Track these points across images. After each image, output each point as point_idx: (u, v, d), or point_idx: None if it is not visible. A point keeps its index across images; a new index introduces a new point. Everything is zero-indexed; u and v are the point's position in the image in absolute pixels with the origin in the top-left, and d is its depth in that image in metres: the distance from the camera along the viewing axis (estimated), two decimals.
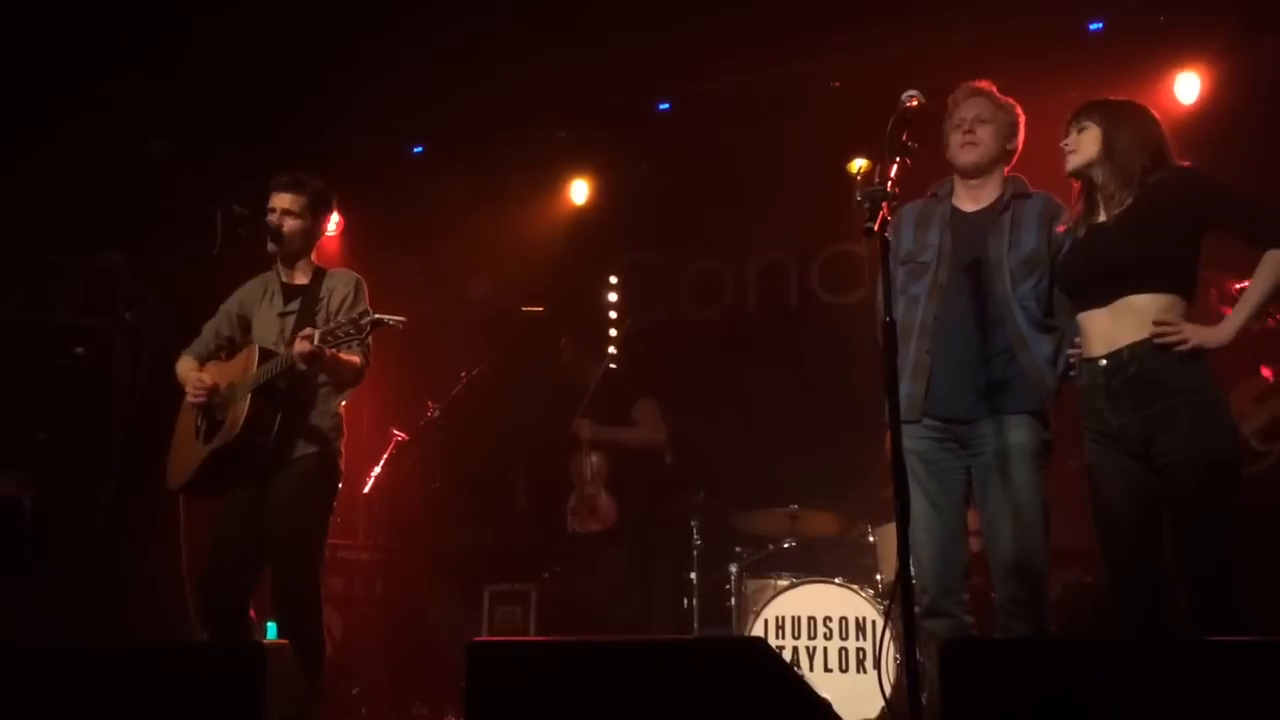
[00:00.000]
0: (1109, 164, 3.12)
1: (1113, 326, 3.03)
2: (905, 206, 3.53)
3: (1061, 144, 3.22)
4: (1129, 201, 3.08)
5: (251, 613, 3.83)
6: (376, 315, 3.52)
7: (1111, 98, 3.24)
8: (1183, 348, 2.93)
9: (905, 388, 3.34)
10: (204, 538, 3.85)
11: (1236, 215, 3.03)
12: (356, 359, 3.83)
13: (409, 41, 5.68)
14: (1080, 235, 3.20)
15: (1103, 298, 3.06)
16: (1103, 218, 3.14)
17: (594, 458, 5.62)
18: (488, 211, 6.58)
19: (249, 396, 3.69)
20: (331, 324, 3.59)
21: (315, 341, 3.53)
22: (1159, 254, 3.01)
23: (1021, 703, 2.06)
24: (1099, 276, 3.07)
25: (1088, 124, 3.16)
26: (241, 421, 3.67)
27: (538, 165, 6.68)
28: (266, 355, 3.75)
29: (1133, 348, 2.99)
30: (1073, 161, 3.18)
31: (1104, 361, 3.04)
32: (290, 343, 3.67)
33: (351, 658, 5.61)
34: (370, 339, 3.87)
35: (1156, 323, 2.96)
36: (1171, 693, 2.01)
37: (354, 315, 3.56)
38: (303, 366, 3.59)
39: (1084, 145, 3.15)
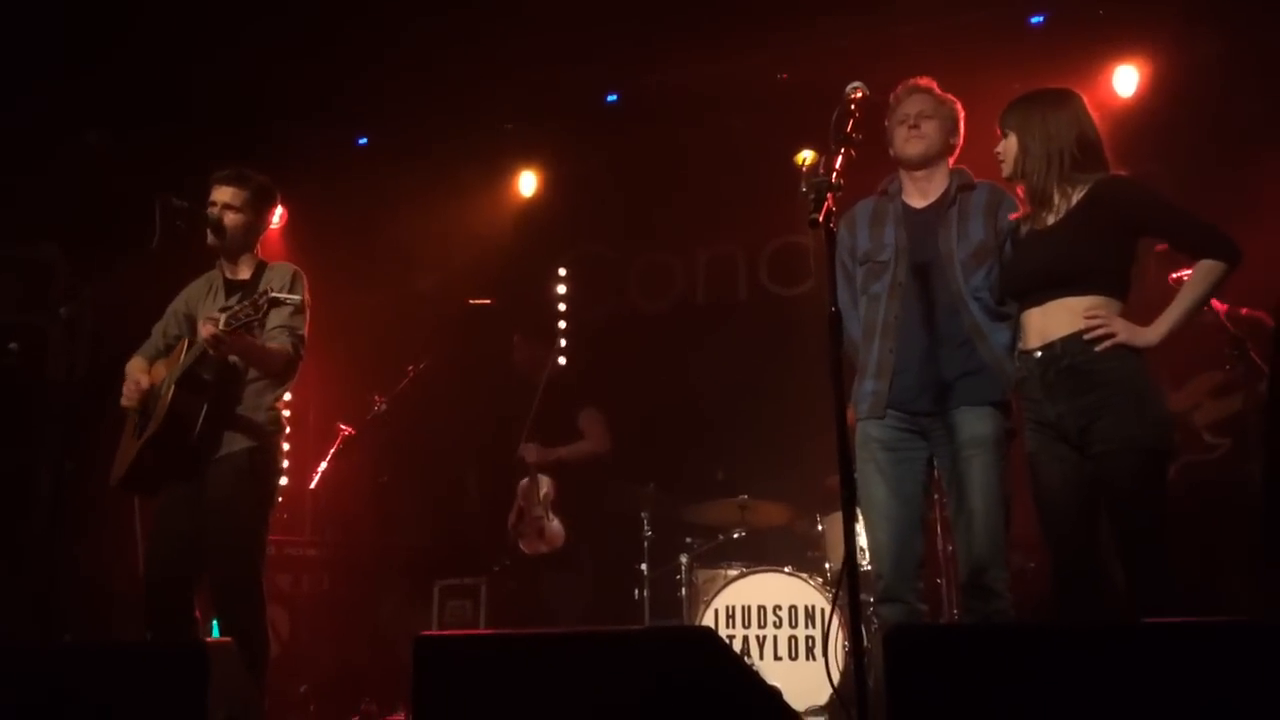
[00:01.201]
0: (1027, 166, 3.20)
1: (1046, 321, 3.11)
2: (858, 205, 3.58)
3: (995, 151, 3.30)
4: (1068, 204, 3.15)
5: (197, 612, 3.78)
6: (273, 294, 3.48)
7: (1047, 87, 3.30)
8: (1109, 342, 3.01)
9: (870, 385, 3.41)
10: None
11: (1169, 228, 3.14)
12: (283, 347, 3.78)
13: (354, 31, 5.61)
14: (1022, 236, 3.27)
15: (1039, 300, 3.14)
16: (1043, 219, 3.20)
17: (543, 482, 5.68)
18: (434, 204, 6.53)
19: (172, 387, 3.66)
20: (234, 307, 3.54)
21: (220, 324, 3.48)
22: (1092, 263, 3.10)
23: (965, 686, 2.09)
24: (1037, 282, 3.15)
25: (1008, 130, 3.25)
26: (165, 412, 3.64)
27: (485, 157, 6.65)
28: (192, 346, 3.72)
29: (1065, 340, 3.07)
30: (1004, 170, 3.28)
31: (1039, 353, 3.12)
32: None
33: (299, 655, 5.56)
34: (303, 331, 3.84)
35: (1088, 314, 3.03)
36: (1111, 674, 2.05)
37: (254, 296, 3.52)
38: (213, 350, 3.54)
39: (1008, 153, 3.25)
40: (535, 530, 5.63)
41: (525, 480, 5.70)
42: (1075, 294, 3.08)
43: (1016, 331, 3.33)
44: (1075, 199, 3.16)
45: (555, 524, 5.62)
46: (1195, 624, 2.11)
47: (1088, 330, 3.03)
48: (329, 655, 5.63)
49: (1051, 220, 3.18)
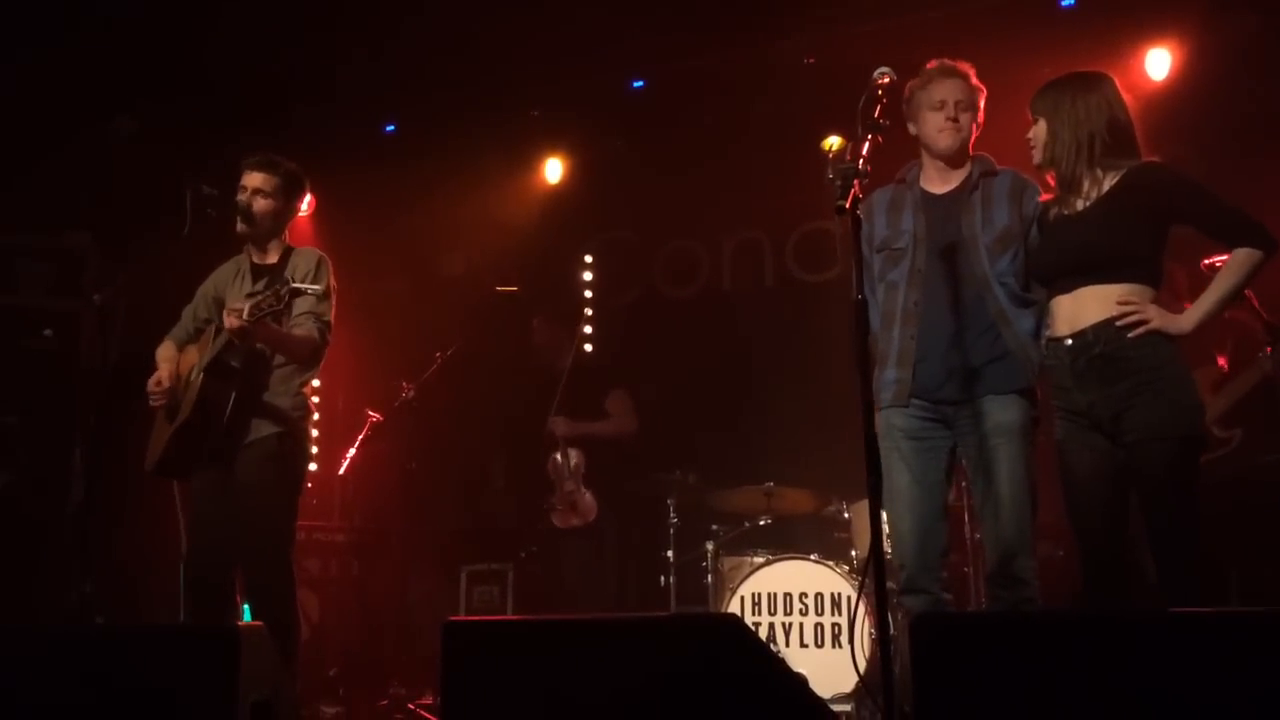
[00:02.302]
0: (1057, 151, 3.16)
1: (1077, 308, 3.08)
2: (875, 193, 3.52)
3: (1027, 136, 3.26)
4: (1099, 189, 3.11)
5: (238, 596, 3.82)
6: (295, 284, 3.51)
7: (1078, 70, 3.25)
8: (1141, 329, 2.97)
9: (891, 374, 3.37)
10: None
11: (1204, 215, 3.08)
12: (309, 334, 3.80)
13: (382, 18, 5.62)
14: (1051, 221, 3.23)
15: (1070, 286, 3.11)
16: (1073, 204, 3.16)
17: (572, 454, 5.66)
18: (461, 191, 6.54)
19: (201, 375, 3.70)
20: (258, 297, 3.57)
21: (245, 315, 3.50)
22: (1125, 250, 3.06)
23: (991, 675, 2.08)
24: (1068, 268, 3.12)
25: (1038, 116, 3.21)
26: (194, 400, 3.68)
27: (511, 144, 6.64)
28: (220, 333, 3.74)
29: (1096, 327, 3.03)
30: (1036, 157, 3.24)
31: (1069, 341, 3.08)
32: None
33: (328, 639, 5.61)
34: (329, 317, 3.87)
35: (1121, 301, 3.00)
36: (1138, 663, 2.04)
37: (276, 286, 3.54)
38: (236, 339, 3.57)
39: (1038, 139, 3.21)
40: (568, 503, 5.63)
41: (556, 454, 5.70)
42: (1107, 281, 3.04)
43: (1041, 318, 3.30)
44: (1107, 185, 3.12)
45: (588, 497, 5.63)
46: (1225, 614, 2.09)
47: (1120, 317, 3.00)
48: (358, 639, 5.68)
49: (1082, 206, 3.14)
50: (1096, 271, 3.06)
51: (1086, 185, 3.14)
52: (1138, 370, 2.98)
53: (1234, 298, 3.10)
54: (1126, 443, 2.99)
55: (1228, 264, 3.05)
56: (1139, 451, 2.96)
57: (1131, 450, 2.98)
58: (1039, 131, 3.21)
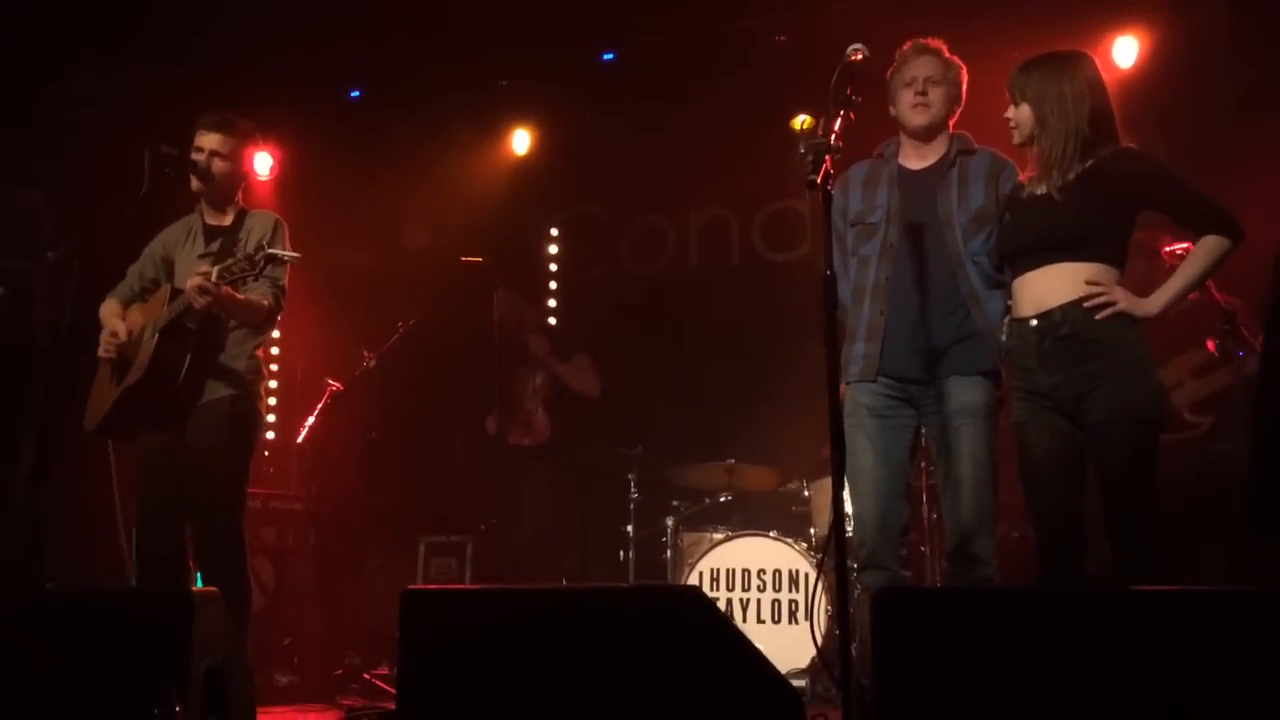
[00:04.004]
0: (1043, 140, 3.15)
1: (1044, 288, 3.09)
2: (852, 168, 3.53)
3: (1005, 116, 3.24)
4: (1074, 173, 3.11)
5: (190, 561, 3.77)
6: (270, 250, 3.45)
7: (1059, 50, 3.25)
8: (1109, 311, 3.00)
9: (860, 348, 3.37)
10: (132, 485, 3.79)
11: (1174, 202, 3.10)
12: (264, 300, 3.75)
13: None
14: (1023, 199, 3.23)
15: (1035, 264, 3.12)
16: (1045, 188, 3.17)
17: (538, 377, 5.84)
18: (427, 159, 6.47)
19: (155, 336, 3.63)
20: (227, 260, 3.51)
21: (213, 278, 3.45)
22: (1095, 231, 3.08)
23: (949, 650, 2.10)
24: (1035, 246, 3.12)
25: (1021, 98, 3.19)
26: (148, 361, 3.62)
27: (479, 113, 6.58)
28: (175, 295, 3.68)
29: (1064, 308, 3.05)
30: (1015, 137, 3.24)
31: (1034, 321, 3.09)
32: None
33: (284, 608, 5.56)
34: (284, 282, 3.81)
35: (1089, 282, 3.02)
36: (1095, 640, 2.06)
37: (249, 250, 3.48)
38: (199, 303, 3.50)
39: (1021, 121, 3.20)
40: (523, 421, 5.81)
41: (523, 369, 5.88)
42: (1076, 260, 3.06)
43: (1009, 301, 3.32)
44: (1081, 167, 3.12)
45: (542, 417, 5.79)
46: (1182, 591, 2.12)
47: (1088, 298, 3.02)
48: (314, 609, 5.64)
49: (1055, 186, 3.15)
50: (1064, 250, 3.07)
51: (1063, 167, 3.14)
52: (1104, 352, 2.99)
53: (1200, 283, 3.13)
54: (1089, 423, 3.01)
55: (1195, 251, 3.07)
56: (1103, 432, 2.98)
57: (1094, 431, 3.00)
58: (1022, 115, 3.19)
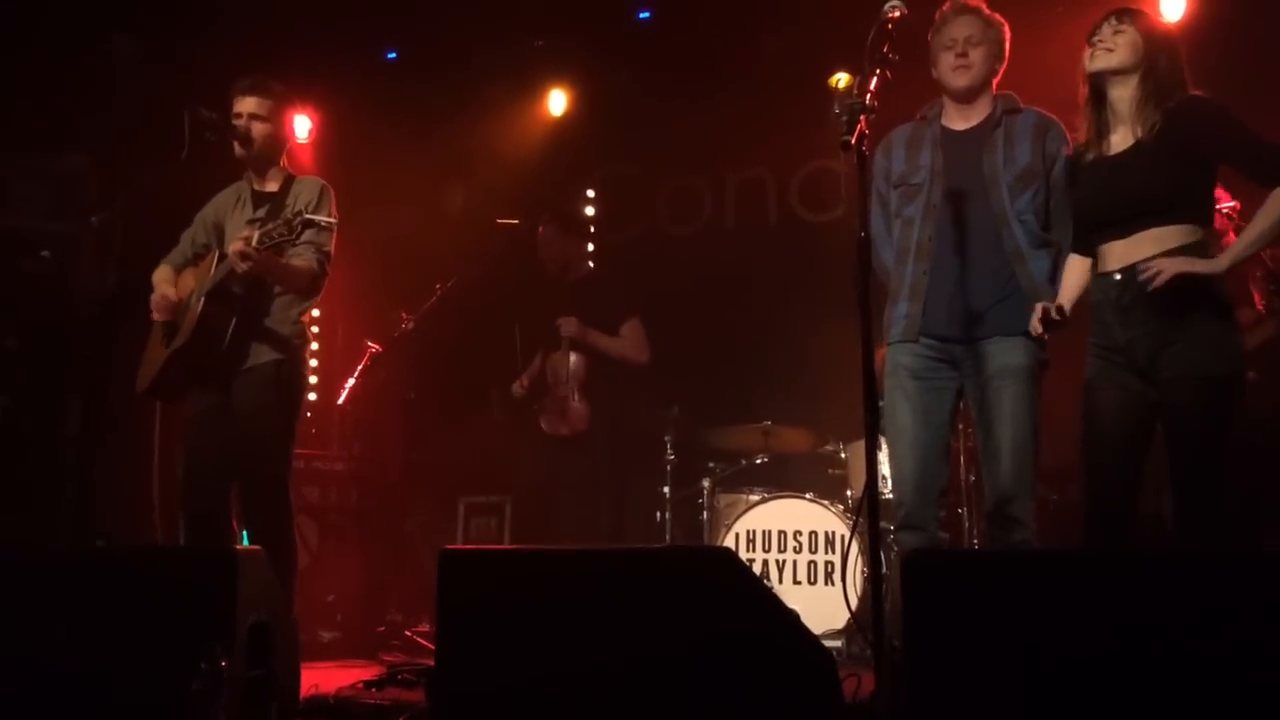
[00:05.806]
0: (1146, 80, 3.03)
1: (1132, 249, 3.00)
2: (895, 130, 3.51)
3: (1092, 38, 3.09)
4: (1146, 129, 3.02)
5: (235, 521, 3.85)
6: (308, 215, 3.49)
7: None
8: (1163, 277, 2.89)
9: (903, 308, 3.36)
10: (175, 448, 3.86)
11: (1245, 152, 2.99)
12: (308, 264, 3.79)
13: None
14: (1089, 162, 3.14)
15: (1122, 233, 3.03)
16: (1114, 144, 3.08)
17: (572, 358, 5.24)
18: (463, 120, 6.46)
19: (202, 299, 3.69)
20: (268, 225, 3.54)
21: (254, 243, 3.49)
22: (1179, 189, 2.98)
23: (979, 612, 2.10)
24: (1118, 213, 3.04)
25: (1128, 28, 3.05)
26: (194, 324, 3.68)
27: (515, 74, 6.55)
28: (221, 259, 3.73)
29: (1148, 261, 2.95)
30: (1103, 60, 3.06)
31: (1118, 275, 3.02)
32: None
33: (327, 566, 5.66)
34: (329, 248, 3.85)
35: (1142, 266, 2.93)
36: (1130, 604, 2.05)
37: (287, 215, 3.52)
38: (241, 268, 3.55)
39: (1121, 47, 3.04)
40: (559, 409, 5.23)
41: (557, 353, 5.29)
42: (1165, 224, 2.97)
43: (1057, 260, 3.27)
44: (1157, 117, 3.01)
45: (580, 405, 5.19)
46: (1225, 555, 2.10)
47: (1143, 273, 2.92)
48: (356, 567, 5.73)
49: (1121, 145, 3.07)
50: (1153, 215, 2.98)
51: (1131, 123, 3.05)
52: (1185, 308, 2.91)
53: (1271, 238, 2.99)
54: (1162, 380, 2.95)
55: (1267, 204, 2.94)
56: (1174, 389, 2.92)
57: (1166, 388, 2.94)
58: (1124, 42, 3.03)
